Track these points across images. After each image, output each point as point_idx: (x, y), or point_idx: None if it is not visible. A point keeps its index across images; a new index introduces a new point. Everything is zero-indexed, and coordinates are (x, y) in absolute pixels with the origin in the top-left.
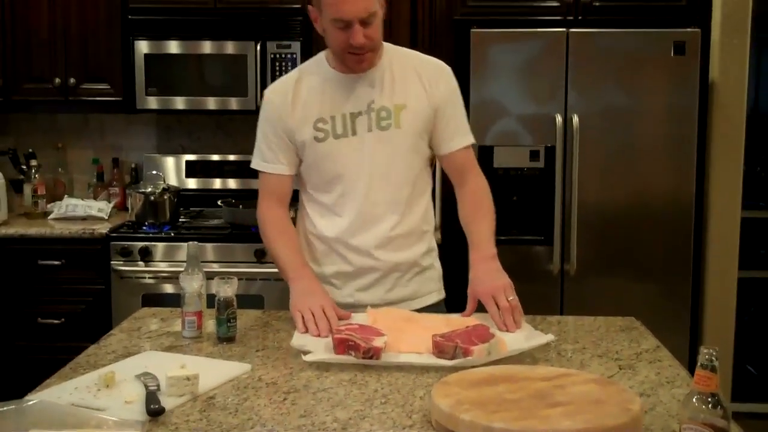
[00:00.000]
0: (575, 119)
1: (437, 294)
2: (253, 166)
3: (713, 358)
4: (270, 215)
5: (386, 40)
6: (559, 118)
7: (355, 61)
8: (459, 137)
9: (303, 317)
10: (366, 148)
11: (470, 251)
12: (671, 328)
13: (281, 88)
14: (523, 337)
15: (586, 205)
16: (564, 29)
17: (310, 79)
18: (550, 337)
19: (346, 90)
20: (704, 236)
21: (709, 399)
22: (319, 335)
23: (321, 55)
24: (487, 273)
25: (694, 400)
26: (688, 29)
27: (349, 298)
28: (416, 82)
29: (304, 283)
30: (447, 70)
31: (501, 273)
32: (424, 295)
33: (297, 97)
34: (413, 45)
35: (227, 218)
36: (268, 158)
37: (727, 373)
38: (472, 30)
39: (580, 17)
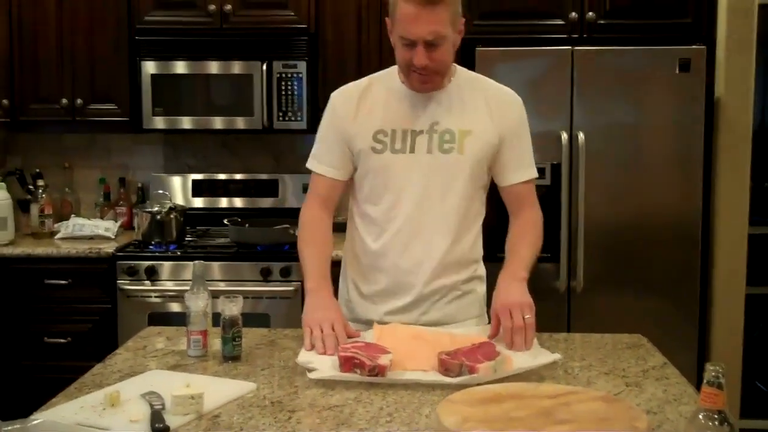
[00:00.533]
0: (581, 136)
1: (478, 320)
2: (307, 165)
3: (720, 375)
4: (310, 216)
5: (392, 56)
6: (564, 136)
7: (418, 81)
8: (522, 170)
9: (312, 333)
10: (422, 168)
11: (502, 270)
12: (679, 344)
13: (348, 93)
14: (530, 355)
15: (593, 221)
16: (569, 47)
17: (378, 89)
18: (556, 357)
19: (411, 106)
20: (711, 252)
21: (716, 416)
22: (324, 353)
23: (394, 68)
24: (510, 290)
25: (700, 417)
26: (694, 46)
27: (384, 317)
28: (485, 109)
29: (320, 296)
30: (518, 101)
31: (525, 293)
32: (464, 320)
33: (362, 105)
34: None
35: (233, 237)
36: (323, 160)
37: (736, 389)
38: (478, 48)
39: (585, 35)
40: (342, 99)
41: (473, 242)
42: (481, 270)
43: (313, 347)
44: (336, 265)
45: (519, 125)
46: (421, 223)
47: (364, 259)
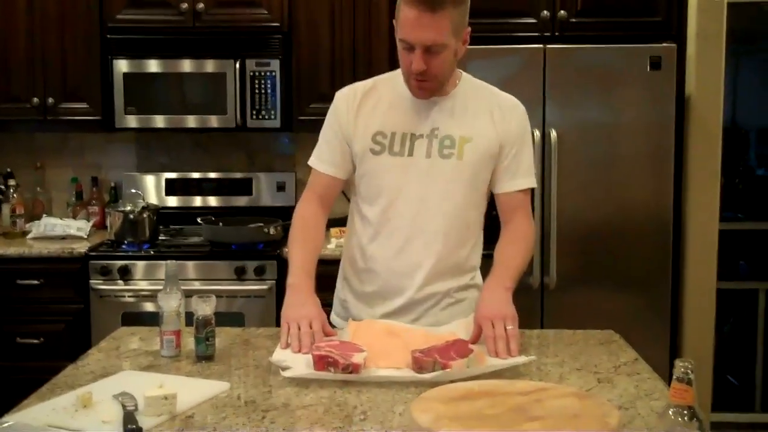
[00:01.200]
0: (553, 134)
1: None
2: (309, 162)
3: (689, 371)
4: (303, 211)
5: (366, 55)
6: (537, 133)
7: (416, 86)
8: (520, 179)
9: (290, 329)
10: (419, 172)
11: (487, 278)
12: (651, 339)
13: (350, 93)
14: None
15: (566, 218)
16: (541, 45)
17: (381, 91)
18: (529, 358)
19: (412, 110)
20: (683, 248)
21: (686, 412)
22: (300, 351)
23: (398, 71)
24: (494, 300)
25: (670, 413)
26: (664, 44)
27: (379, 319)
28: (487, 116)
29: (300, 292)
30: (521, 109)
31: (509, 304)
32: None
33: (363, 106)
34: (392, 62)
35: (207, 236)
36: (323, 157)
37: (708, 383)
38: None
39: (557, 33)
40: (344, 99)
41: (470, 250)
42: (478, 278)
43: (289, 345)
44: (334, 264)
45: (521, 134)
46: (417, 227)
47: (360, 260)
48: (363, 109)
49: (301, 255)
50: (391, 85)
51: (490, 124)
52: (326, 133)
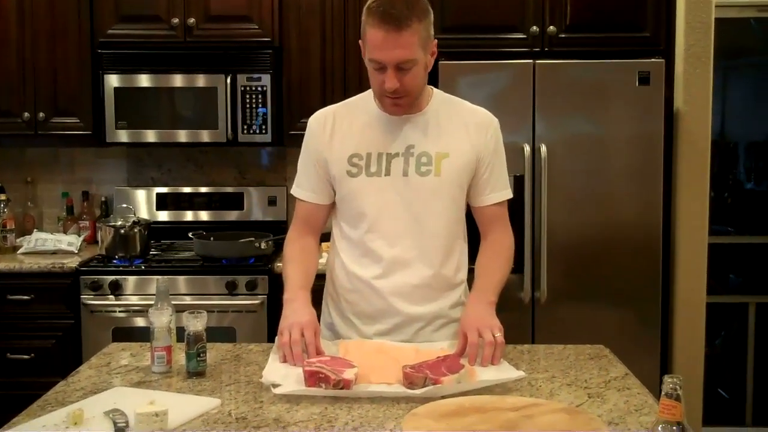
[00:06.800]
0: (543, 149)
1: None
2: (291, 191)
3: (677, 387)
4: (293, 237)
5: (356, 70)
6: (527, 148)
7: (390, 104)
8: (497, 191)
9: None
10: (398, 191)
11: (471, 293)
12: (642, 354)
13: (322, 117)
14: (494, 369)
15: (556, 233)
16: (530, 61)
17: (354, 113)
18: (520, 374)
19: (386, 129)
20: (672, 262)
21: (674, 428)
22: (293, 362)
23: (370, 92)
24: (479, 312)
25: (659, 428)
26: (653, 59)
27: (373, 338)
28: (462, 131)
29: (295, 304)
30: (495, 122)
31: (493, 316)
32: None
33: (336, 129)
34: None
35: (199, 251)
36: (303, 185)
37: (698, 397)
38: (440, 62)
39: (546, 49)
40: (317, 124)
41: (457, 265)
42: (467, 295)
43: (285, 360)
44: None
45: (495, 147)
46: (400, 247)
47: (345, 280)
48: (337, 133)
49: (294, 272)
50: (363, 105)
51: (465, 138)
52: (303, 159)
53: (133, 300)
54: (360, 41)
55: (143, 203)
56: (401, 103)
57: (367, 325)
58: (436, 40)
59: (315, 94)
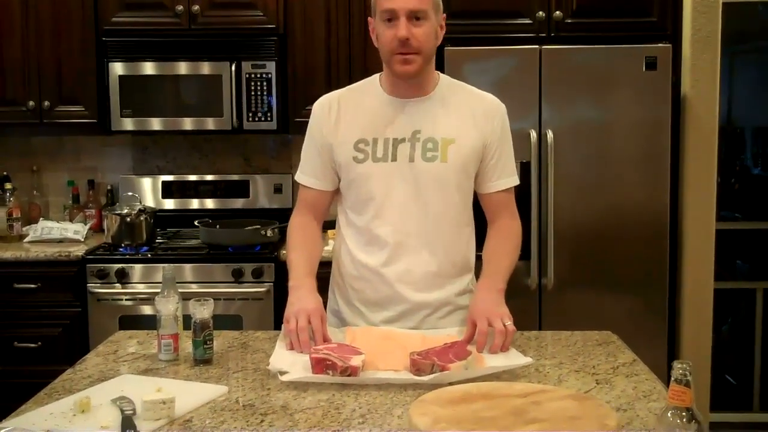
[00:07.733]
0: (549, 135)
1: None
2: (295, 177)
3: (687, 373)
4: (297, 223)
5: (361, 57)
6: (533, 134)
7: (400, 61)
8: (504, 178)
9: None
10: (404, 177)
11: (479, 280)
12: (649, 340)
13: (326, 103)
14: (502, 355)
15: (563, 219)
16: (537, 46)
17: (359, 98)
18: (528, 360)
19: (393, 115)
20: (680, 248)
21: (684, 413)
22: (300, 350)
23: (376, 77)
24: (488, 300)
25: (669, 414)
26: (660, 45)
27: (380, 325)
28: (469, 117)
29: (300, 291)
30: (502, 108)
31: (502, 304)
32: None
33: (342, 115)
34: None
35: (204, 238)
36: (307, 171)
37: (706, 383)
38: (446, 48)
39: (552, 34)
40: (321, 109)
41: (464, 252)
42: (474, 283)
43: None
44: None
45: (502, 133)
46: (406, 233)
47: (351, 267)
48: (343, 118)
49: (299, 259)
50: (368, 89)
51: (472, 124)
52: (307, 145)
53: (140, 288)
54: (369, 17)
55: (149, 191)
56: (411, 60)
57: (374, 312)
58: (445, 15)
59: (320, 81)
